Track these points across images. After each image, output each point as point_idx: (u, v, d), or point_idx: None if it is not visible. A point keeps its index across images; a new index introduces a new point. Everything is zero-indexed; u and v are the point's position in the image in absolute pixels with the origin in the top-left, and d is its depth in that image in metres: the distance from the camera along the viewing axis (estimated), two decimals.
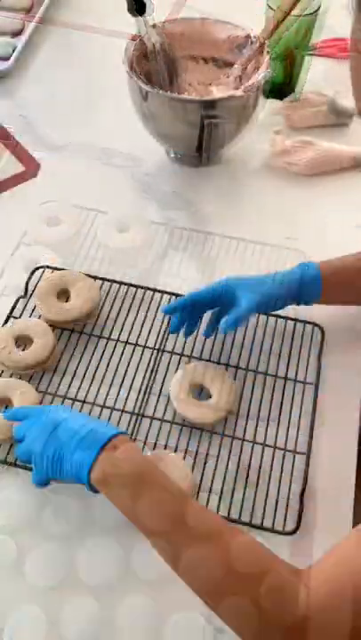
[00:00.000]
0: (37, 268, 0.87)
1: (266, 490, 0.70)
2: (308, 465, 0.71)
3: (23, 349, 0.78)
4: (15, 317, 0.82)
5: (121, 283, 0.86)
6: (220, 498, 0.69)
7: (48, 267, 0.87)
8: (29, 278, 0.86)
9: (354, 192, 0.99)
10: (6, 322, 0.82)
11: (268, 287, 0.75)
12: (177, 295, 0.85)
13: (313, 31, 1.06)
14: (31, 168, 1.03)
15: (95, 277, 0.85)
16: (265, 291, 0.75)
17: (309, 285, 0.76)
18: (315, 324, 0.82)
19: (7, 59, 1.17)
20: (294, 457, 0.72)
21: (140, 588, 0.64)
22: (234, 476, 0.70)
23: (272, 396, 0.77)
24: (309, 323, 0.82)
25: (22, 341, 0.78)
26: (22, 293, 0.85)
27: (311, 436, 0.73)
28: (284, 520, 0.68)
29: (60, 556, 0.65)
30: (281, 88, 1.11)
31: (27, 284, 0.85)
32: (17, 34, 1.23)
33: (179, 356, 0.80)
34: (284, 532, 0.67)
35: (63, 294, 0.83)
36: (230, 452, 0.72)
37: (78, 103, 1.14)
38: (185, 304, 0.77)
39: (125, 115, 0.94)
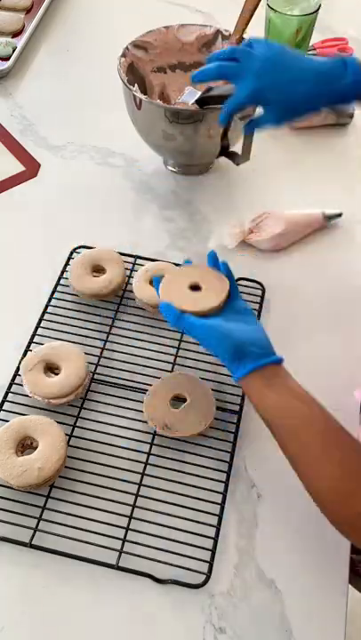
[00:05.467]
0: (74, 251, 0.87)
1: None
2: (239, 422, 0.74)
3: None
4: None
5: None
6: None
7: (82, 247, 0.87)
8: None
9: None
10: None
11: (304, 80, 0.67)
12: None
13: (313, 31, 1.06)
14: (31, 168, 1.03)
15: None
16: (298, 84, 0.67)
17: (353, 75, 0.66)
18: (257, 282, 0.86)
19: (7, 59, 1.17)
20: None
21: (140, 587, 0.64)
22: None
23: None
24: (252, 280, 0.86)
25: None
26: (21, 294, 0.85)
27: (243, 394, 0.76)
28: None
29: None
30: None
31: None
32: (17, 34, 1.23)
33: None
34: None
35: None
36: None
37: (78, 103, 1.14)
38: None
39: (125, 115, 0.94)
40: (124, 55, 0.93)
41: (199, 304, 0.70)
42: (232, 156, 0.89)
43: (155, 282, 0.75)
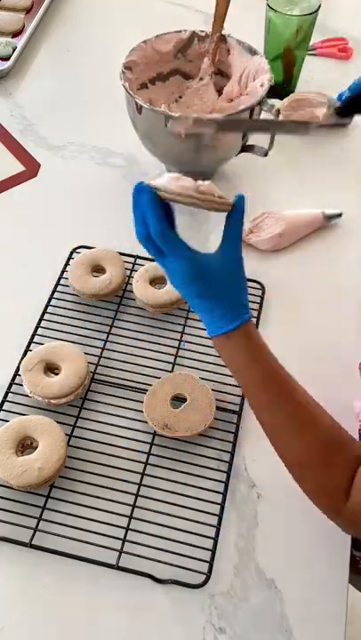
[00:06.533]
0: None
1: None
2: (239, 422, 0.74)
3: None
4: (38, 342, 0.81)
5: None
6: None
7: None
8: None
9: None
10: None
11: None
12: None
13: (313, 31, 1.06)
14: (31, 168, 1.03)
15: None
16: None
17: None
18: (257, 282, 0.86)
19: (7, 59, 1.17)
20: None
21: (140, 587, 0.64)
22: None
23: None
24: (252, 280, 0.85)
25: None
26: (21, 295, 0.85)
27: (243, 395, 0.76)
28: None
29: None
30: (281, 88, 1.11)
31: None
32: (17, 34, 1.23)
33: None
34: None
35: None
36: None
37: (78, 103, 1.14)
38: None
39: (125, 115, 0.94)
40: (123, 78, 0.90)
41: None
42: (254, 150, 0.90)
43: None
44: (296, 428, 0.58)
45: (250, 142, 0.94)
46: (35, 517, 0.66)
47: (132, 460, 0.71)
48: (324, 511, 0.58)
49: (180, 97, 1.01)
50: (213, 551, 0.65)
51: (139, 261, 0.89)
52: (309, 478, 0.58)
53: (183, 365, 0.79)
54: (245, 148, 0.94)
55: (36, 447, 0.69)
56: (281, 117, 1.05)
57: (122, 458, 0.71)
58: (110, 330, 0.82)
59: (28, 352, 0.78)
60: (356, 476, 0.56)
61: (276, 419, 0.59)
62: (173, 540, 0.65)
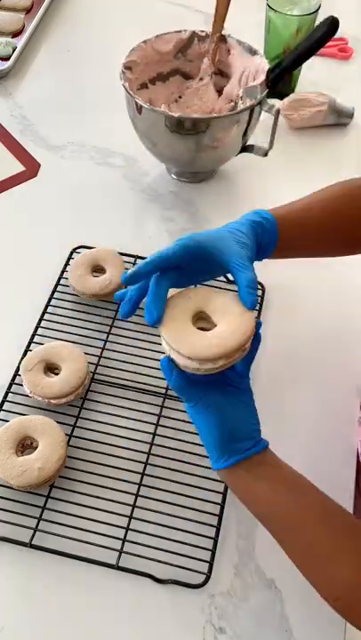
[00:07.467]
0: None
1: None
2: None
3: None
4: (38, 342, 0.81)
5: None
6: None
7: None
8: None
9: None
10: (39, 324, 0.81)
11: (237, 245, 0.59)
12: None
13: None
14: (31, 168, 1.03)
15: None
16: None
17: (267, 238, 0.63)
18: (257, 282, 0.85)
19: (7, 59, 1.17)
20: None
21: (139, 587, 0.64)
22: None
23: None
24: None
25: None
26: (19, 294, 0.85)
27: None
28: None
29: None
30: (281, 88, 1.11)
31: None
32: (17, 34, 1.23)
33: None
34: None
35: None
36: None
37: (78, 103, 1.14)
38: (149, 272, 0.56)
39: (125, 115, 0.94)
40: (123, 78, 0.90)
41: (200, 348, 0.51)
42: (253, 150, 0.91)
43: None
44: (336, 555, 0.53)
45: (250, 142, 0.94)
46: (35, 517, 0.67)
47: (132, 460, 0.71)
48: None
49: (180, 97, 1.01)
50: (213, 551, 0.65)
51: (139, 261, 0.89)
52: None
53: None
54: (245, 148, 0.94)
55: (36, 447, 0.69)
56: (281, 118, 1.05)
57: (122, 458, 0.71)
58: (110, 330, 0.82)
59: (28, 352, 0.78)
60: None
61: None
62: (173, 540, 0.65)
